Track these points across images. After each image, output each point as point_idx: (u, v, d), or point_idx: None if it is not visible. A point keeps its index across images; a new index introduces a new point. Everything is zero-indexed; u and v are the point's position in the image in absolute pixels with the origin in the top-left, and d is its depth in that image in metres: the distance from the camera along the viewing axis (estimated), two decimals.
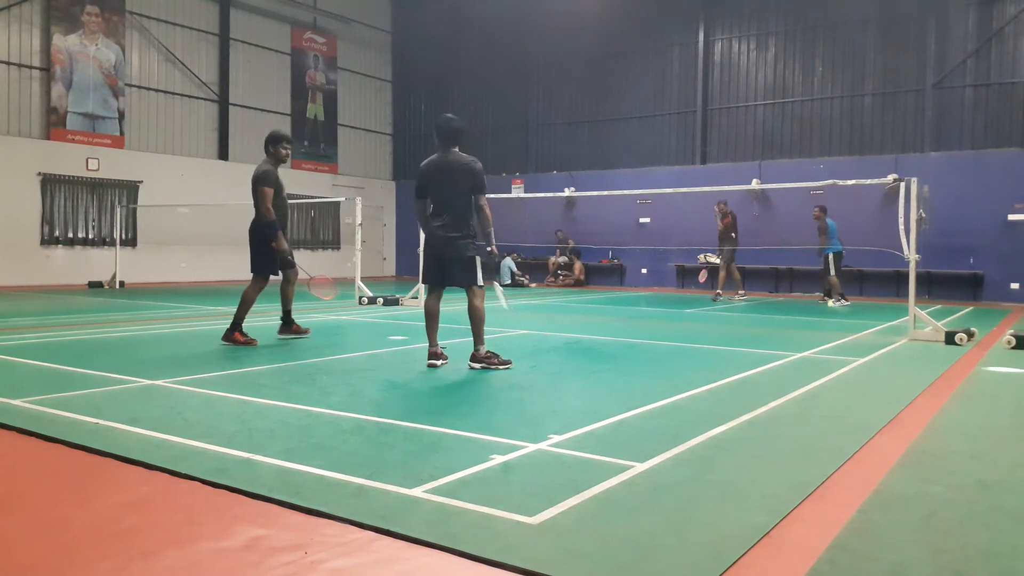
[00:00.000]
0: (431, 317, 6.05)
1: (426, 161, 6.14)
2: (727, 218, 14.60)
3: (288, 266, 7.37)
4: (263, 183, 7.15)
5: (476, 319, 5.98)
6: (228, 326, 7.23)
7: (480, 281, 6.04)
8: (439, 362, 5.96)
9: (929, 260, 13.62)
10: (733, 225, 14.63)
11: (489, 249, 6.06)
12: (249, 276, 7.36)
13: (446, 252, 5.98)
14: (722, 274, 14.77)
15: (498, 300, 7.06)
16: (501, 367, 5.87)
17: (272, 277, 7.36)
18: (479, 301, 6.00)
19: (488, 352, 5.94)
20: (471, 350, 5.99)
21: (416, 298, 12.11)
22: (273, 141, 7.46)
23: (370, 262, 22.03)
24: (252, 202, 7.26)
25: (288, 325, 7.63)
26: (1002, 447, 3.88)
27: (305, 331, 7.72)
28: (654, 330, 9.40)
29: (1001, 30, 15.84)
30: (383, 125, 24.74)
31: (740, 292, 15.15)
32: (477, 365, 5.87)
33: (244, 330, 7.20)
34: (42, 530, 2.59)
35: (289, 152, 7.62)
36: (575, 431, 3.88)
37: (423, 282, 6.29)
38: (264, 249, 7.22)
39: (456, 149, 6.10)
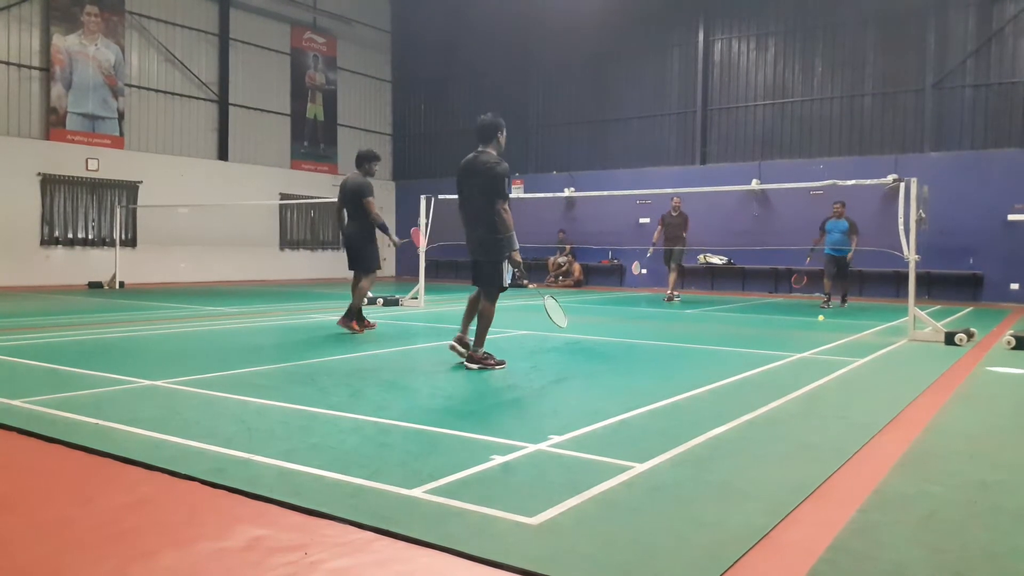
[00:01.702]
0: (469, 304, 6.31)
1: (462, 161, 6.23)
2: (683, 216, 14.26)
3: (372, 269, 8.45)
4: (368, 194, 8.20)
5: (483, 320, 6.00)
6: (349, 316, 8.28)
7: (505, 283, 6.06)
8: (460, 348, 6.14)
9: (929, 260, 13.61)
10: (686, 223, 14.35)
11: (510, 254, 5.97)
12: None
13: (472, 254, 6.14)
14: (673, 275, 14.46)
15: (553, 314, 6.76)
16: (497, 367, 5.89)
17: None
18: (489, 306, 6.05)
19: (484, 353, 5.95)
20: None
21: (416, 298, 12.12)
22: (369, 159, 8.45)
23: None
24: (353, 208, 8.29)
25: (349, 318, 8.29)
26: (1002, 447, 3.88)
27: (361, 329, 8.31)
28: (654, 330, 9.40)
29: (1001, 30, 15.84)
30: (383, 125, 24.74)
31: (676, 294, 14.51)
32: (474, 366, 5.88)
33: (362, 316, 8.41)
34: (42, 530, 2.59)
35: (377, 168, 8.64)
36: (575, 431, 3.88)
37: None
38: (364, 250, 8.34)
39: (490, 149, 6.08)
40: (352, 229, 8.42)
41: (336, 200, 8.79)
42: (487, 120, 6.15)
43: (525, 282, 19.90)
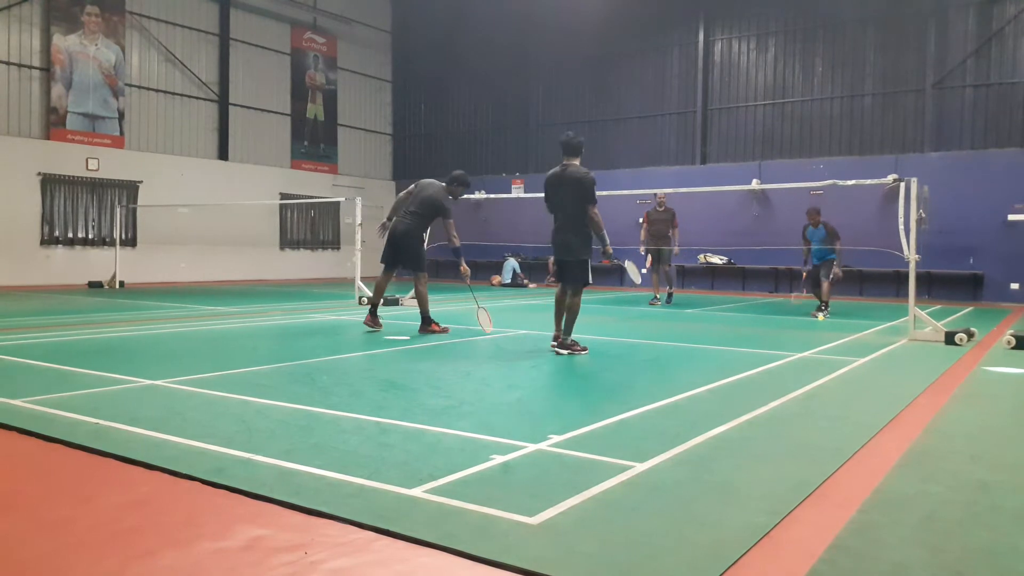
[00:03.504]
0: (557, 305, 6.98)
1: (548, 173, 7.03)
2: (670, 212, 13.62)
3: (423, 268, 8.47)
4: (450, 215, 8.30)
5: (571, 313, 6.85)
6: (427, 323, 8.34)
7: (589, 281, 6.88)
8: (561, 349, 6.80)
9: (929, 260, 13.60)
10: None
11: (604, 250, 6.80)
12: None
13: (559, 255, 6.95)
14: (656, 276, 13.85)
15: (632, 277, 7.93)
16: (581, 353, 6.76)
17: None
18: (576, 299, 6.88)
19: (572, 340, 6.85)
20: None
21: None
22: (461, 183, 8.59)
23: (370, 262, 21.99)
24: (422, 210, 8.34)
25: (427, 324, 8.31)
26: (1002, 447, 3.88)
27: (444, 329, 8.34)
28: (654, 330, 9.39)
29: (1001, 30, 15.84)
30: (383, 125, 24.74)
31: (658, 294, 13.92)
32: (564, 351, 6.76)
33: (378, 315, 8.45)
34: (42, 530, 2.59)
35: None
36: (575, 431, 3.88)
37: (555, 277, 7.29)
38: (418, 250, 8.38)
39: (576, 161, 6.85)
40: (407, 227, 8.28)
41: (401, 195, 8.60)
42: (573, 138, 6.92)
43: (526, 281, 19.99)
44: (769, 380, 5.69)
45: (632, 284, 7.99)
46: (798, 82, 18.14)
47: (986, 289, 15.48)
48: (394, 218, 8.46)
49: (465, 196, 14.27)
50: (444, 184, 8.50)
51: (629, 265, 7.85)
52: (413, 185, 8.60)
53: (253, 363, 6.10)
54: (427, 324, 8.30)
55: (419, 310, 8.39)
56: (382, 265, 8.58)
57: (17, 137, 16.19)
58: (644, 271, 14.76)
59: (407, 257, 8.40)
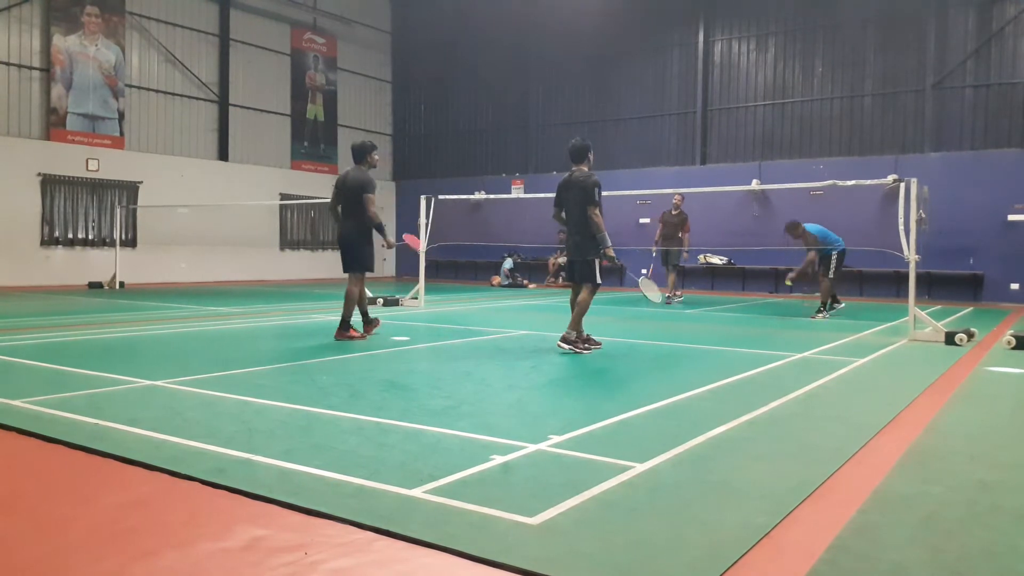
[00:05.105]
0: (572, 307, 7.10)
1: (560, 180, 7.28)
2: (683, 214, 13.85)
3: (367, 268, 7.90)
4: (371, 189, 7.80)
5: (580, 308, 6.95)
6: (338, 325, 7.78)
7: (597, 280, 6.99)
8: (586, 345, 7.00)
9: (929, 260, 13.58)
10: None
11: (604, 250, 6.89)
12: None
13: (570, 255, 7.19)
14: (671, 276, 14.09)
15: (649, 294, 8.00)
16: (585, 351, 6.79)
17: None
18: (587, 296, 6.98)
19: (576, 335, 6.89)
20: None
21: (416, 299, 12.11)
22: (370, 150, 8.07)
23: None
24: (352, 205, 7.82)
25: (344, 329, 7.76)
26: (1002, 447, 3.88)
27: (362, 336, 7.82)
28: (654, 330, 9.39)
29: (1001, 30, 15.84)
30: (383, 125, 24.73)
31: (677, 294, 14.19)
32: (565, 346, 6.83)
33: (352, 324, 7.81)
34: (42, 530, 2.59)
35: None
36: (575, 431, 3.88)
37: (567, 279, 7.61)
38: (361, 249, 7.83)
39: (583, 166, 7.05)
40: (350, 227, 7.83)
41: (331, 198, 8.27)
42: (578, 144, 7.16)
43: (525, 282, 20.01)
44: (769, 380, 5.69)
45: (638, 284, 8.03)
46: (798, 82, 18.14)
47: (986, 289, 15.47)
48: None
49: (465, 196, 14.32)
50: (358, 164, 7.99)
51: (644, 283, 8.19)
52: (334, 189, 8.14)
53: (253, 363, 6.10)
54: (345, 329, 7.70)
55: (342, 312, 7.75)
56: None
57: (17, 137, 16.19)
58: (644, 272, 14.85)
59: (352, 258, 7.82)
